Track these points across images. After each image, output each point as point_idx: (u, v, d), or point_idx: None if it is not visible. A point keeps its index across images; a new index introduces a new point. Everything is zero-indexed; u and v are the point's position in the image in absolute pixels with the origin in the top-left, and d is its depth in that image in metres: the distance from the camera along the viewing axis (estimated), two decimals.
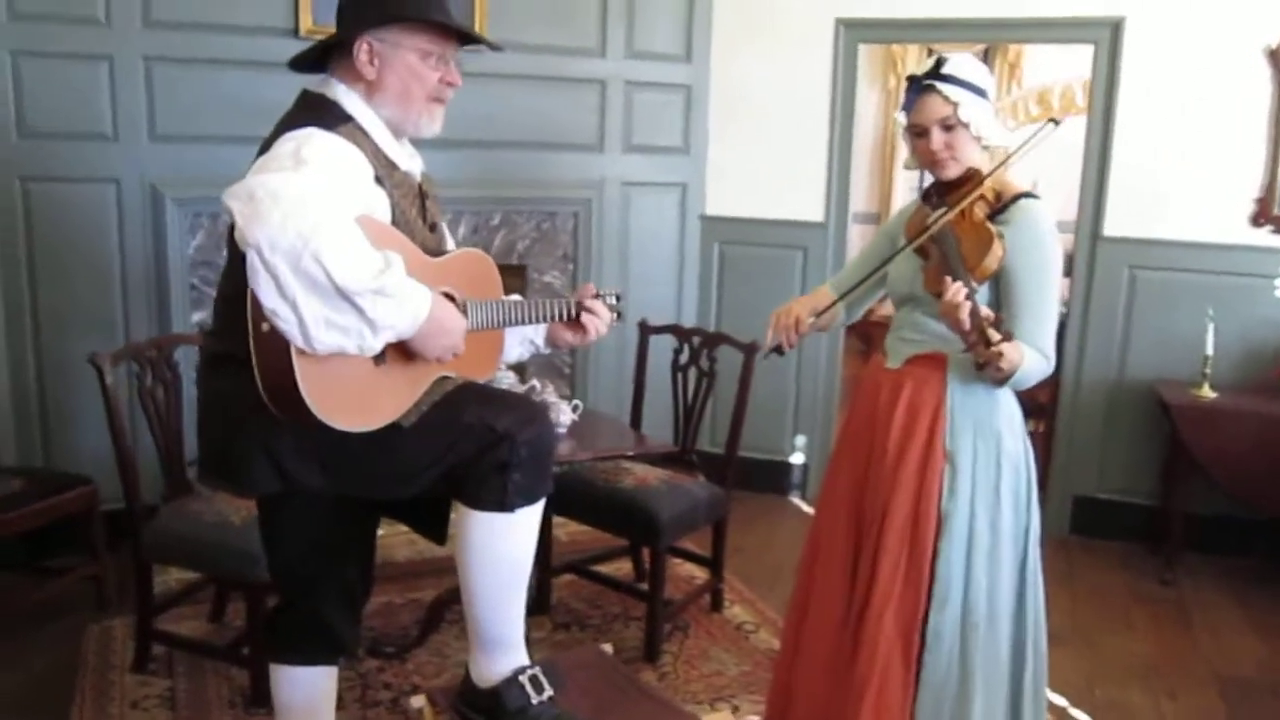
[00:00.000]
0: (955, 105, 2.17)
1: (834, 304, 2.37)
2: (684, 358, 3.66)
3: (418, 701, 2.22)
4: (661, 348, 3.77)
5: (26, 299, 3.70)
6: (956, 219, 2.16)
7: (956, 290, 1.96)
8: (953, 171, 2.23)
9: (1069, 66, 6.64)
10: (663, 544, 3.23)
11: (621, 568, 3.84)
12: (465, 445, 1.94)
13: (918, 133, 2.25)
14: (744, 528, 4.35)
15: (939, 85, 2.18)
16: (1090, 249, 4.37)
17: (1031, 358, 2.10)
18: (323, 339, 1.73)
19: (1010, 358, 2.01)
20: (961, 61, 2.22)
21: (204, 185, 3.45)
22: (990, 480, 2.21)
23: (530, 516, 2.00)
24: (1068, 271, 4.58)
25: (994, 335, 1.88)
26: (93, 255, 3.75)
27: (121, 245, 3.77)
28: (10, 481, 3.35)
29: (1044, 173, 8.25)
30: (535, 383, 3.33)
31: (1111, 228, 4.33)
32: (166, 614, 3.28)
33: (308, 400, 1.77)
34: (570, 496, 3.43)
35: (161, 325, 3.80)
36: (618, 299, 2.43)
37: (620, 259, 4.63)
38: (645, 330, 3.79)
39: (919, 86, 2.22)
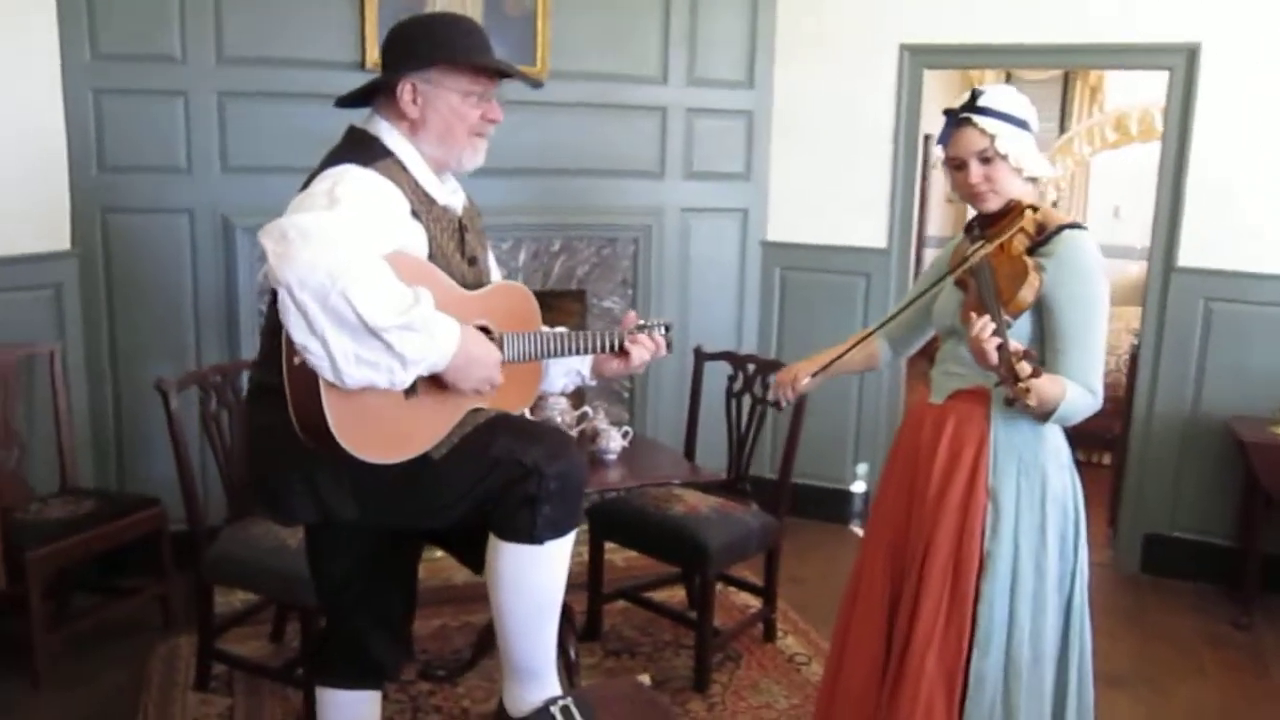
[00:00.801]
0: (992, 137, 2.14)
1: (831, 360, 2.35)
2: (738, 385, 3.65)
3: None
4: (718, 374, 3.76)
5: (104, 326, 3.85)
6: (995, 251, 2.13)
7: (983, 325, 1.93)
8: (993, 204, 2.20)
9: (1150, 90, 6.50)
10: (711, 571, 3.21)
11: (675, 595, 3.83)
12: (494, 478, 1.96)
13: (956, 165, 2.22)
14: (802, 557, 4.31)
15: (975, 118, 2.16)
16: (1164, 279, 4.24)
17: (1075, 393, 2.05)
18: (353, 374, 1.77)
19: (1044, 393, 1.97)
20: (999, 93, 2.19)
21: (272, 215, 3.45)
22: (1035, 520, 2.16)
23: (560, 548, 2.01)
24: (1140, 302, 4.47)
25: (1024, 370, 1.84)
26: (166, 284, 3.88)
27: (194, 274, 3.90)
28: (83, 502, 3.47)
29: (1124, 200, 8.10)
30: (588, 409, 3.36)
31: (1186, 258, 4.19)
32: (230, 634, 3.37)
33: (336, 433, 1.82)
34: (621, 523, 3.45)
35: (231, 351, 3.92)
36: (667, 329, 2.44)
37: (680, 285, 4.64)
38: (700, 357, 3.79)
39: (955, 119, 2.20)
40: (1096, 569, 4.34)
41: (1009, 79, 8.43)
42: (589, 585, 3.60)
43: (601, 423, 3.29)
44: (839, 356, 2.34)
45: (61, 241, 3.73)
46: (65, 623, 3.51)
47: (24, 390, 3.63)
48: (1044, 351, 2.13)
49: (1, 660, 3.31)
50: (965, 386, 2.20)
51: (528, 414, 3.16)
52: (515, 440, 1.98)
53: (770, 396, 2.42)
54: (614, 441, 3.22)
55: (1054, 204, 8.00)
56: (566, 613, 3.39)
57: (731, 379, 3.67)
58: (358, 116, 2.15)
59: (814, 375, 2.33)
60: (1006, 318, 1.98)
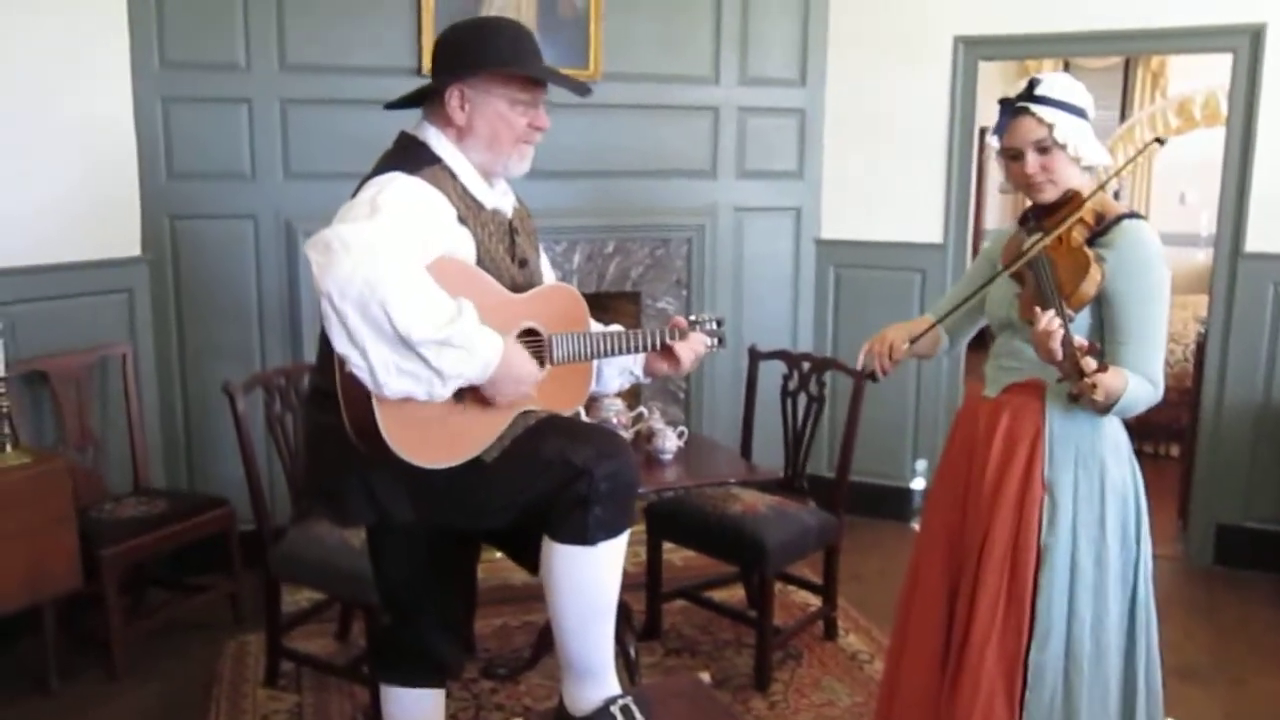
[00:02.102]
0: (1050, 126, 2.12)
1: (930, 328, 2.32)
2: (793, 383, 3.64)
3: None
4: (773, 373, 3.75)
5: (174, 329, 3.95)
6: (1054, 244, 2.10)
7: (1049, 320, 1.91)
8: (1050, 195, 2.17)
9: (1214, 74, 6.36)
10: (770, 570, 3.21)
11: (735, 594, 3.83)
12: (545, 480, 1.98)
13: (1012, 156, 2.20)
14: (862, 555, 4.29)
15: (1033, 107, 2.14)
16: (1231, 266, 4.15)
17: (1136, 385, 2.02)
18: (392, 385, 1.79)
19: (1109, 387, 1.95)
20: (1056, 81, 2.16)
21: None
22: (1094, 512, 2.13)
23: (613, 549, 2.02)
24: (1206, 290, 4.38)
25: (1089, 365, 1.82)
26: (232, 288, 3.98)
27: (258, 278, 3.99)
28: (155, 502, 3.58)
29: (1191, 186, 7.92)
30: (643, 409, 3.38)
31: (1254, 243, 4.10)
32: (298, 630, 3.45)
33: (387, 438, 1.85)
34: (678, 522, 3.46)
35: (294, 353, 4.00)
36: (718, 324, 2.45)
37: (734, 284, 4.65)
38: (755, 356, 3.79)
39: (1012, 109, 2.18)
40: (1167, 562, 4.34)
41: (1067, 68, 8.32)
42: (647, 584, 3.62)
43: (657, 422, 3.30)
44: (928, 330, 2.30)
45: (132, 247, 3.84)
46: (140, 618, 3.63)
47: (98, 392, 3.74)
48: (1104, 343, 2.11)
49: (81, 653, 3.42)
50: (1020, 379, 2.18)
51: (583, 414, 3.21)
52: (565, 442, 2.00)
53: (864, 367, 2.32)
54: (669, 441, 3.24)
55: (1116, 194, 7.90)
56: (625, 612, 3.44)
57: (786, 377, 3.66)
58: (413, 119, 2.19)
59: (910, 343, 2.29)
60: (1069, 311, 1.96)
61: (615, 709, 2.06)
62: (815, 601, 3.74)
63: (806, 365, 3.62)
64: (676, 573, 4.01)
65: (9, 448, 3.12)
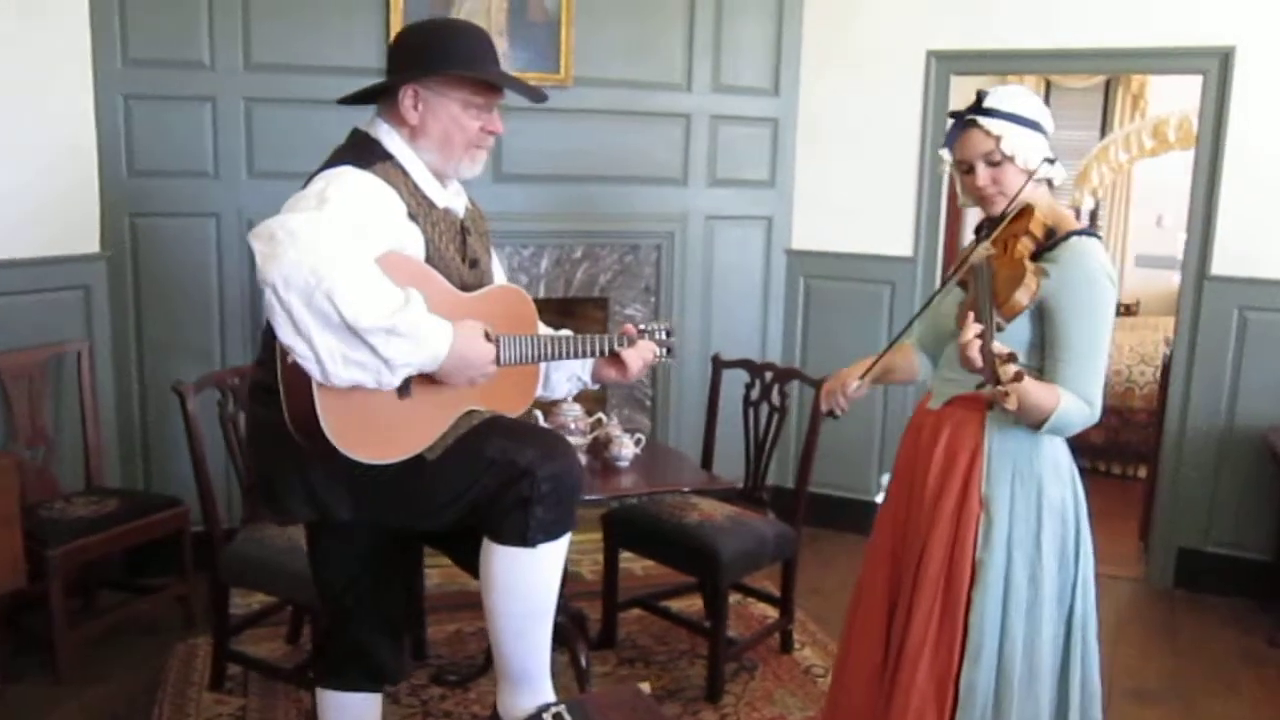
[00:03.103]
0: (998, 139, 2.11)
1: (876, 360, 2.30)
2: (755, 393, 3.62)
3: None
4: (738, 382, 3.73)
5: (132, 328, 3.91)
6: (998, 253, 2.09)
7: (969, 326, 1.90)
8: (1001, 207, 2.16)
9: (1193, 97, 6.37)
10: (724, 581, 3.18)
11: (694, 604, 3.80)
12: (488, 479, 1.96)
13: (965, 170, 2.19)
14: (823, 568, 4.27)
15: (981, 119, 2.13)
16: (1197, 288, 4.14)
17: (1069, 403, 2.01)
18: (340, 374, 1.77)
19: (1032, 400, 1.95)
20: (1007, 93, 2.15)
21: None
22: (1030, 530, 2.11)
23: (553, 552, 2.00)
24: (1174, 311, 4.38)
25: (1006, 373, 1.80)
26: (193, 287, 3.93)
27: (220, 277, 3.95)
28: (107, 501, 3.52)
29: (1169, 209, 7.95)
30: (601, 415, 3.35)
31: (1220, 266, 4.10)
32: (248, 634, 3.41)
33: (328, 432, 1.83)
34: (635, 530, 3.44)
35: (255, 354, 3.94)
36: (668, 334, 2.44)
37: (703, 292, 4.62)
38: (718, 364, 3.76)
39: (961, 122, 2.16)
40: (1128, 583, 4.33)
41: (1049, 87, 8.35)
42: (604, 593, 3.58)
43: (615, 429, 3.27)
44: (878, 360, 2.29)
45: (91, 244, 3.80)
46: (90, 619, 3.57)
47: (52, 390, 3.69)
48: (1044, 359, 2.09)
49: (25, 655, 3.36)
50: (963, 392, 2.16)
51: (541, 419, 3.19)
52: (509, 442, 1.98)
53: (824, 408, 2.34)
54: (626, 448, 3.20)
55: (1093, 211, 7.92)
56: (579, 620, 3.40)
57: (749, 386, 3.64)
58: (363, 118, 2.17)
59: (861, 378, 2.27)
60: (999, 320, 1.94)
61: (548, 716, 2.03)
62: (774, 614, 3.71)
63: (769, 375, 3.60)
64: (636, 581, 3.98)
65: None
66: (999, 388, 1.81)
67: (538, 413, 3.25)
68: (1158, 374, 5.65)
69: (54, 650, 3.28)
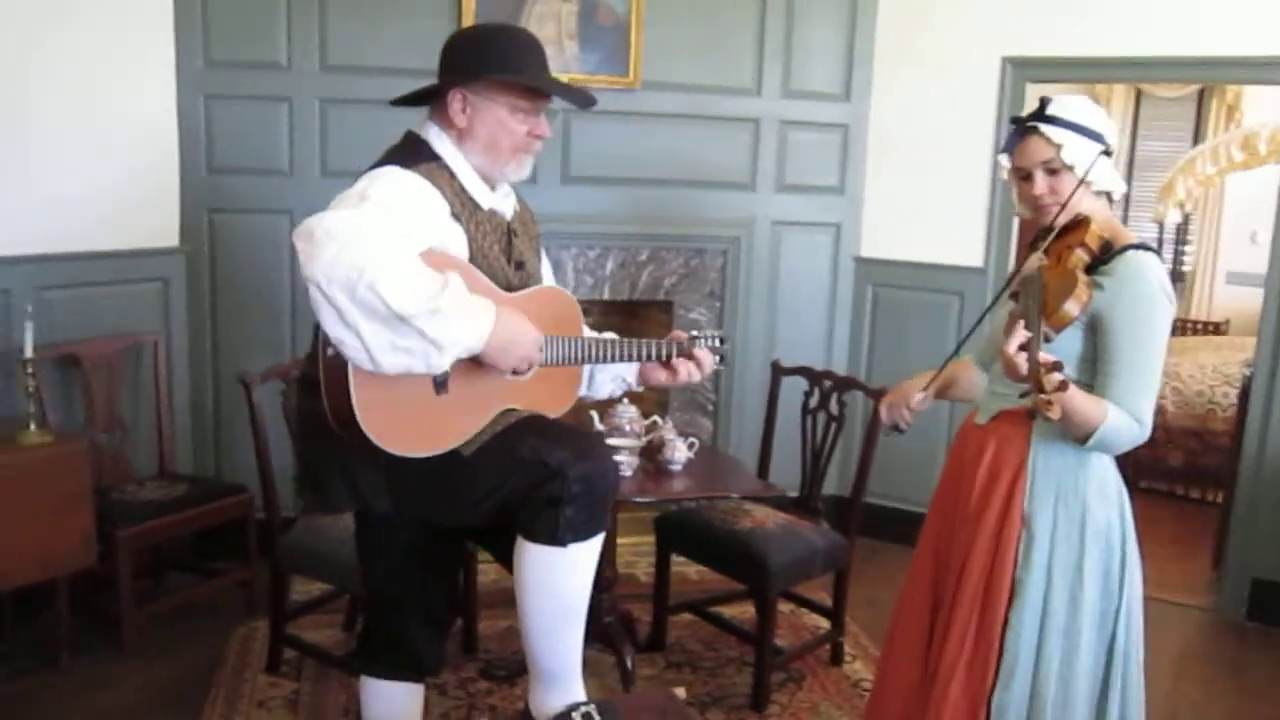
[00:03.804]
0: (1059, 147, 2.06)
1: (939, 371, 2.26)
2: (814, 401, 3.59)
3: None
4: (798, 390, 3.70)
5: (207, 321, 4.04)
6: (1050, 264, 2.05)
7: (1015, 335, 1.86)
8: (1059, 217, 2.11)
9: None
10: (771, 589, 3.16)
11: (746, 611, 3.77)
12: (520, 478, 1.98)
13: (1022, 176, 2.15)
14: (880, 581, 4.20)
15: (1042, 126, 2.08)
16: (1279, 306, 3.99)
17: (1116, 419, 1.95)
18: (389, 361, 1.82)
19: (1077, 412, 1.90)
20: (1069, 102, 2.10)
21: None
22: (1072, 552, 2.05)
23: (584, 552, 2.01)
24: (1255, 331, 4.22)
25: (1050, 381, 1.75)
26: (266, 282, 4.04)
27: (292, 274, 4.04)
28: (176, 486, 3.65)
29: (1264, 224, 7.64)
30: (657, 418, 3.35)
31: None
32: (306, 620, 3.49)
33: (362, 424, 1.87)
34: (687, 535, 3.43)
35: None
36: (721, 342, 2.43)
37: (769, 298, 4.60)
38: (777, 371, 3.74)
39: (1021, 128, 2.12)
40: (1197, 613, 4.18)
41: (1139, 96, 8.11)
42: (654, 596, 3.58)
43: (669, 433, 3.27)
44: (941, 369, 2.26)
45: (170, 238, 3.94)
46: (157, 599, 3.69)
47: (129, 378, 3.83)
48: (1096, 374, 2.03)
49: (95, 631, 3.49)
50: (1010, 407, 2.11)
51: (597, 421, 3.21)
52: (542, 441, 2.00)
53: (886, 422, 2.31)
54: (680, 452, 3.20)
55: (1180, 225, 7.64)
56: (626, 621, 3.42)
57: (807, 394, 3.61)
58: (416, 119, 2.21)
59: (924, 390, 2.24)
60: (1047, 330, 1.90)
61: (577, 715, 2.03)
62: (827, 625, 3.67)
63: (828, 383, 3.56)
64: (691, 586, 3.98)
65: (33, 426, 3.20)
66: (1042, 396, 1.77)
67: (593, 413, 3.28)
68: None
69: (121, 627, 3.40)
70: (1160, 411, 5.77)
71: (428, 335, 1.81)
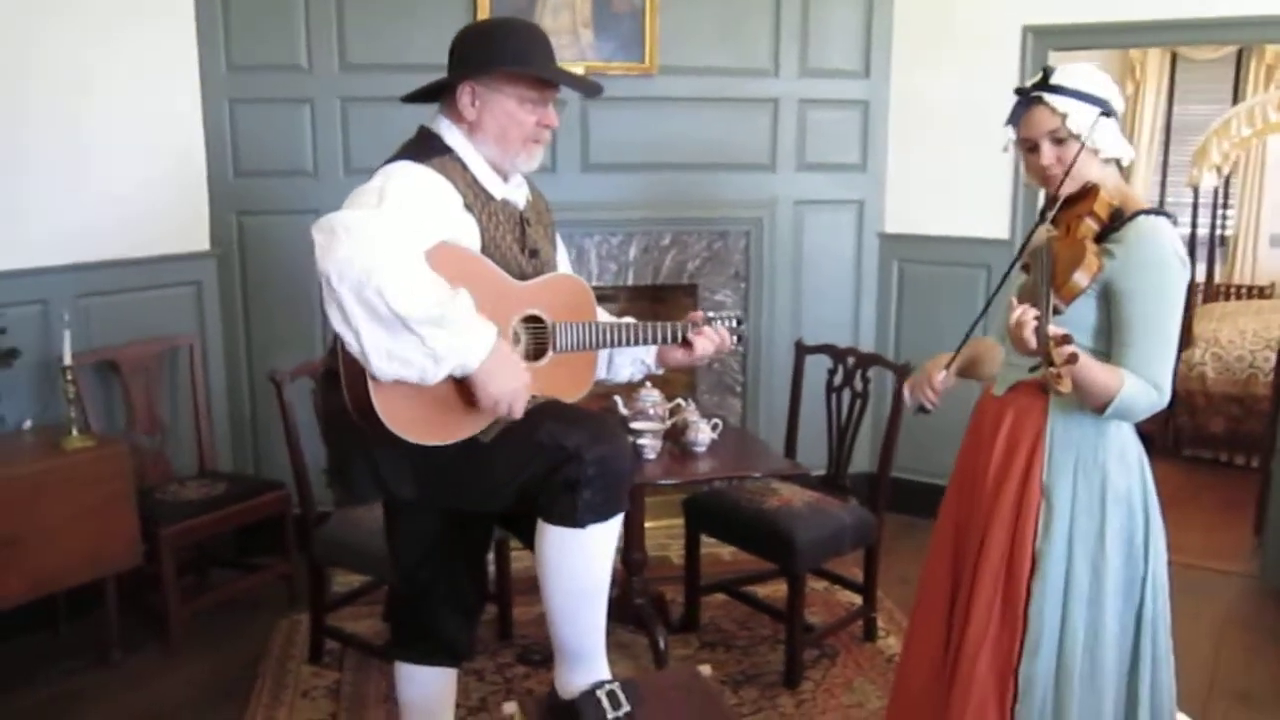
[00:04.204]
0: (1064, 116, 2.05)
1: (958, 350, 2.25)
2: (838, 378, 3.59)
3: (509, 708, 2.30)
4: (823, 368, 3.70)
5: (240, 322, 4.12)
6: (1060, 234, 2.04)
7: (1022, 310, 1.86)
8: (1067, 187, 2.10)
9: None
10: (799, 567, 3.18)
11: (779, 590, 3.79)
12: (538, 462, 2.01)
13: (1029, 147, 2.14)
14: (915, 556, 4.16)
15: (1046, 96, 2.07)
16: None
17: (1134, 387, 1.94)
18: (384, 369, 1.86)
19: (1092, 383, 1.90)
20: (1073, 70, 2.09)
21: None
22: (1093, 521, 2.05)
23: (603, 533, 2.04)
24: None
25: (1060, 354, 1.75)
26: (296, 281, 4.11)
27: None
28: (217, 485, 3.73)
29: None
30: (680, 400, 3.37)
31: None
32: (347, 611, 3.56)
33: (381, 414, 1.91)
34: (715, 516, 3.46)
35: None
36: (739, 322, 2.45)
37: (794, 278, 4.60)
38: (801, 350, 3.75)
39: (1026, 99, 2.11)
40: (1239, 579, 4.14)
41: (1174, 59, 7.97)
42: (686, 577, 3.61)
43: (692, 414, 3.29)
44: (961, 345, 2.25)
45: (201, 243, 4.02)
46: (202, 595, 3.79)
47: (167, 381, 3.92)
48: (1111, 343, 2.03)
49: (145, 627, 3.59)
50: (1026, 378, 2.11)
51: (621, 405, 3.24)
52: (559, 425, 2.03)
53: (910, 403, 2.30)
54: (703, 434, 3.22)
55: (1220, 189, 7.50)
56: (659, 602, 3.45)
57: (831, 372, 3.61)
58: (427, 115, 2.25)
59: (946, 368, 2.23)
60: (1057, 301, 1.89)
61: (601, 694, 2.08)
62: (859, 601, 3.68)
63: (851, 360, 3.57)
64: (724, 567, 4.01)
65: (75, 431, 3.29)
66: (1052, 369, 1.77)
67: (617, 397, 3.32)
68: None
69: (168, 623, 3.49)
70: (1201, 378, 5.70)
71: (427, 344, 1.84)
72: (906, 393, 2.32)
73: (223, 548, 4.05)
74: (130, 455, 3.41)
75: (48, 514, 3.12)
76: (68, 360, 3.29)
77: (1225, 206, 7.86)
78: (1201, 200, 6.75)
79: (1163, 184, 8.09)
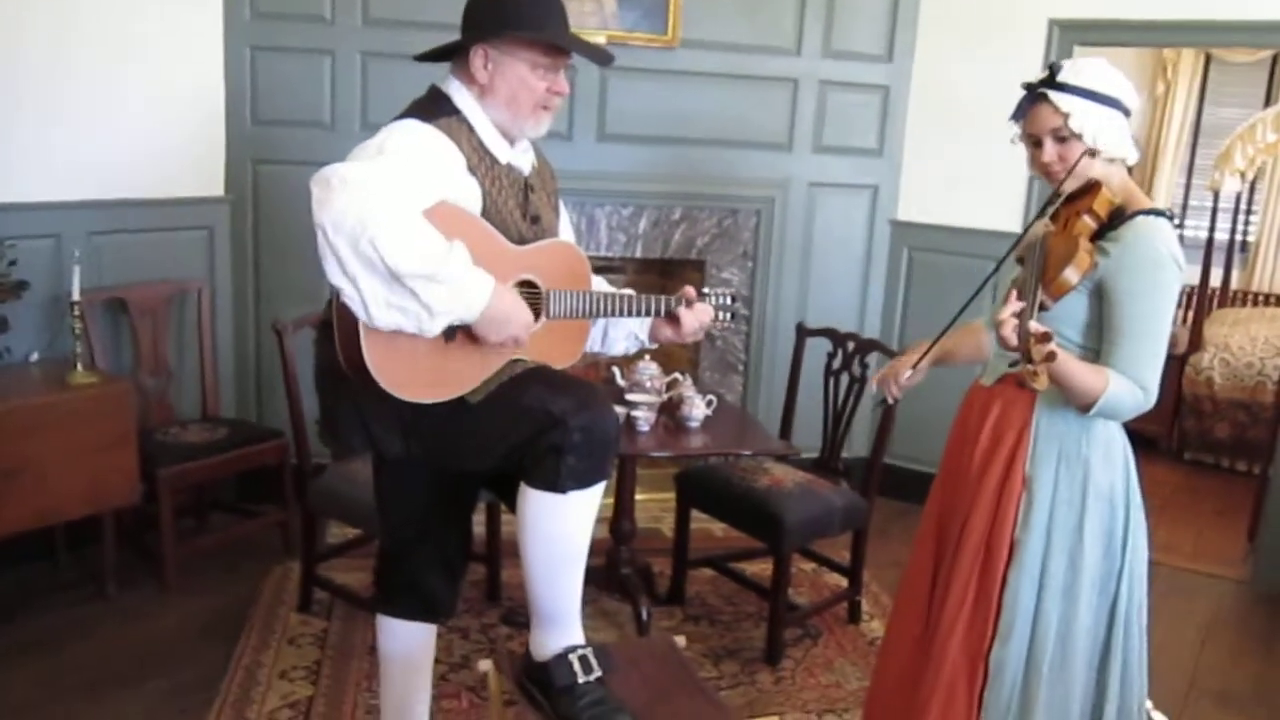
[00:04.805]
0: (1066, 115, 2.05)
1: (930, 345, 2.26)
2: (837, 362, 3.60)
3: (484, 665, 2.33)
4: (823, 351, 3.71)
5: (250, 269, 4.15)
6: (1057, 230, 2.04)
7: (1008, 303, 1.87)
8: (1068, 184, 2.10)
9: None
10: (786, 547, 3.20)
11: (767, 568, 3.82)
12: (524, 426, 2.03)
13: (1033, 143, 2.15)
14: (907, 542, 4.18)
15: (1050, 94, 2.07)
16: None
17: (1119, 387, 1.95)
18: (382, 317, 1.88)
19: (1075, 381, 1.92)
20: (1082, 68, 2.08)
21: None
22: (1073, 514, 2.06)
23: (584, 499, 2.05)
24: None
25: (1038, 352, 1.76)
26: (307, 233, 4.02)
27: None
28: (217, 430, 3.78)
29: None
30: (678, 375, 3.39)
31: None
32: (339, 561, 3.61)
33: (372, 370, 1.94)
34: (706, 492, 3.48)
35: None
36: (732, 299, 2.46)
37: (802, 260, 4.59)
38: (802, 332, 3.76)
39: (1032, 95, 2.11)
40: (1230, 584, 4.15)
41: (1209, 60, 7.87)
42: (674, 550, 3.65)
43: (688, 390, 3.31)
44: (933, 345, 2.26)
45: (216, 188, 4.05)
46: (200, 537, 3.85)
47: (175, 324, 3.96)
48: (1101, 342, 2.03)
49: (142, 566, 3.66)
50: (1014, 370, 2.12)
51: (619, 376, 3.26)
52: (546, 391, 2.05)
53: (874, 395, 2.36)
54: (698, 409, 3.24)
55: (1241, 194, 7.43)
56: (645, 573, 3.49)
57: (831, 356, 3.62)
58: (439, 74, 2.25)
59: (914, 367, 2.26)
60: (1044, 298, 1.90)
61: (574, 657, 2.10)
62: (846, 584, 3.71)
63: (851, 345, 3.57)
64: (716, 543, 4.04)
65: (80, 367, 3.34)
66: (1029, 366, 1.78)
67: (615, 369, 3.34)
68: None
69: (163, 562, 3.55)
70: (1209, 382, 5.68)
71: (421, 298, 1.87)
72: (874, 382, 2.36)
73: (223, 492, 4.10)
74: (134, 395, 3.46)
75: (50, 447, 3.17)
76: (76, 296, 3.33)
77: (1249, 212, 7.79)
78: (1224, 205, 6.69)
79: (1187, 185, 8.02)
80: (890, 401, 2.32)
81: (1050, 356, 1.76)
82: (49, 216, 3.54)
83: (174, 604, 3.50)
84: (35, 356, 3.53)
